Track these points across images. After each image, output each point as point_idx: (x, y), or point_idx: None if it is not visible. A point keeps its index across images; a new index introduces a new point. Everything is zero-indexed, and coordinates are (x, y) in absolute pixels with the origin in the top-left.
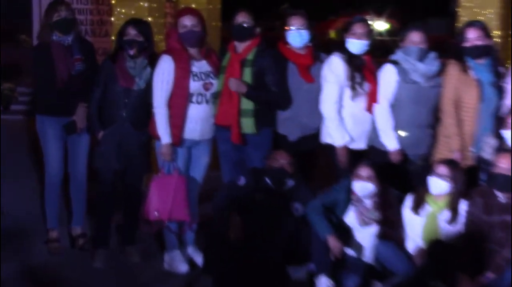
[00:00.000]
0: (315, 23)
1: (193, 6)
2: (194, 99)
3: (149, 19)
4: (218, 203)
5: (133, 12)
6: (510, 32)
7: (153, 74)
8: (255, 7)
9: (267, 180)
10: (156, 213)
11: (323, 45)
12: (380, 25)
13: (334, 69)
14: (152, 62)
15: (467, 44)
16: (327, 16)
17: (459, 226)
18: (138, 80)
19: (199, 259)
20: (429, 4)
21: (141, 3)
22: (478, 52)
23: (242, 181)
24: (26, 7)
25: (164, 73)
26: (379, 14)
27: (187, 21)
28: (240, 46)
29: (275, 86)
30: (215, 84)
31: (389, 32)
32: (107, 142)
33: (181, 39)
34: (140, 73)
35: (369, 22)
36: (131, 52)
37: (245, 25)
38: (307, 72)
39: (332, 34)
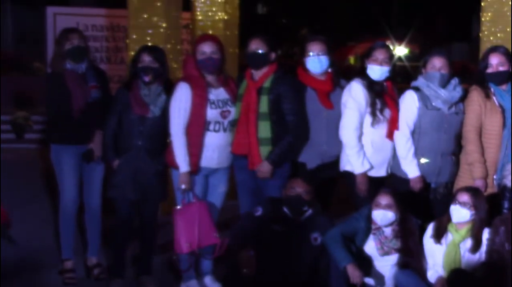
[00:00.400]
0: (334, 49)
1: (210, 32)
2: (211, 127)
3: (166, 45)
4: (235, 234)
5: (149, 38)
6: None
7: (170, 101)
8: (273, 33)
9: (285, 209)
10: (189, 245)
11: (343, 71)
12: (401, 51)
13: (354, 95)
14: (167, 89)
15: (490, 70)
16: (347, 42)
17: (481, 255)
18: (152, 108)
19: None
20: (451, 29)
21: (157, 30)
22: (501, 78)
23: (259, 211)
24: (40, 34)
25: (181, 100)
26: (400, 39)
27: (206, 48)
28: (257, 74)
29: (292, 115)
30: (233, 112)
31: (410, 58)
32: (122, 172)
33: (199, 66)
34: (155, 100)
35: (390, 48)
36: (146, 79)
37: (259, 51)
38: (327, 98)
39: (352, 60)
